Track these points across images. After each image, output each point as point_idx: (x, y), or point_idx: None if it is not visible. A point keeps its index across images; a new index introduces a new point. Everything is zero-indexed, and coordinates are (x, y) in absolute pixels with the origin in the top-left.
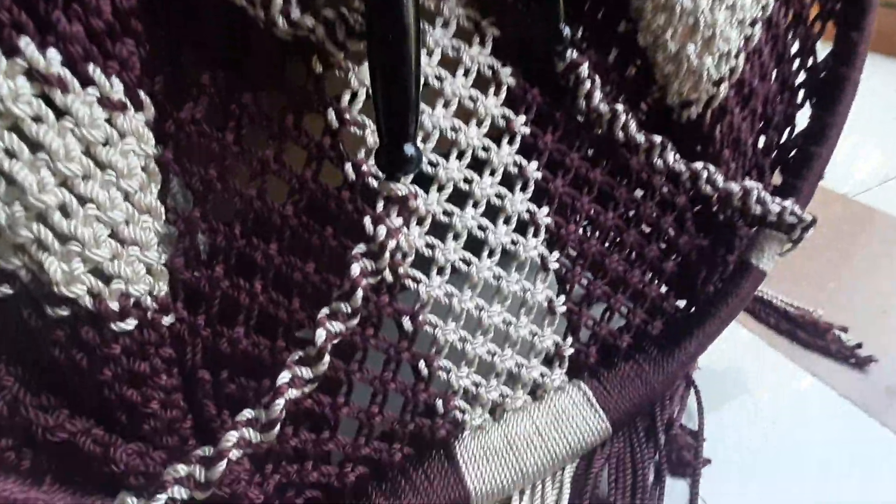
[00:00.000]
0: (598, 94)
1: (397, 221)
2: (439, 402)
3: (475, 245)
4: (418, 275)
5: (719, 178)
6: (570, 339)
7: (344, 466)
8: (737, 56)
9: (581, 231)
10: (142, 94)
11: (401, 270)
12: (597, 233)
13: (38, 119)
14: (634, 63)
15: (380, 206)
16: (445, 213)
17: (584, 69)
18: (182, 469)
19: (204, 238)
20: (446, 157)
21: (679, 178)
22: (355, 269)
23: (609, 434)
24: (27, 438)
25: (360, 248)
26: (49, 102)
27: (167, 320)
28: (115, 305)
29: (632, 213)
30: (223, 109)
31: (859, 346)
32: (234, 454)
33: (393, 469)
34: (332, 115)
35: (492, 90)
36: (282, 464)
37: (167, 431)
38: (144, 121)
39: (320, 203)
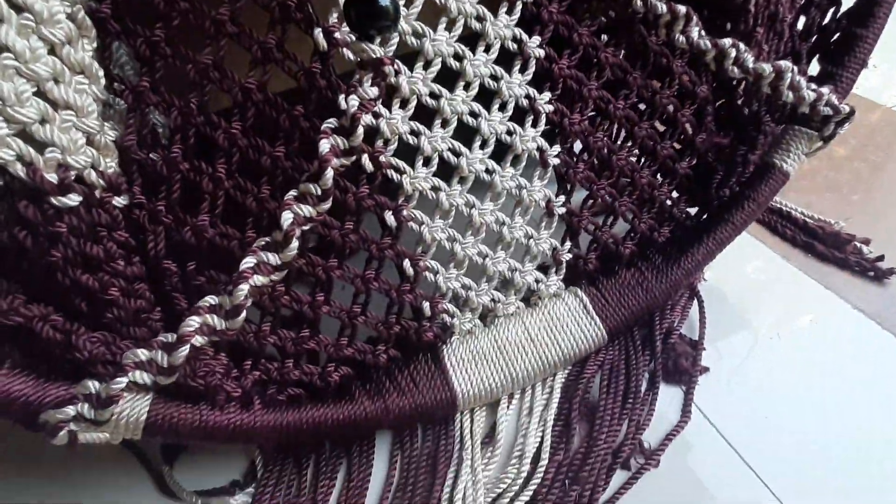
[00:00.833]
0: None
1: (371, 91)
2: (426, 305)
3: (466, 134)
4: (402, 165)
5: (749, 58)
6: (568, 244)
7: (327, 366)
8: None
9: (586, 122)
10: None
11: (382, 159)
12: (604, 125)
13: None
14: None
15: (355, 77)
16: (432, 94)
17: None
18: (143, 353)
19: (161, 116)
20: (434, 27)
21: (702, 61)
22: (324, 145)
23: (604, 342)
24: None
25: (331, 122)
26: None
27: (119, 201)
28: (52, 177)
29: (645, 103)
30: None
31: (881, 258)
32: (198, 340)
33: (378, 370)
34: None
35: None
36: (261, 360)
37: (134, 322)
38: None
39: (288, 75)
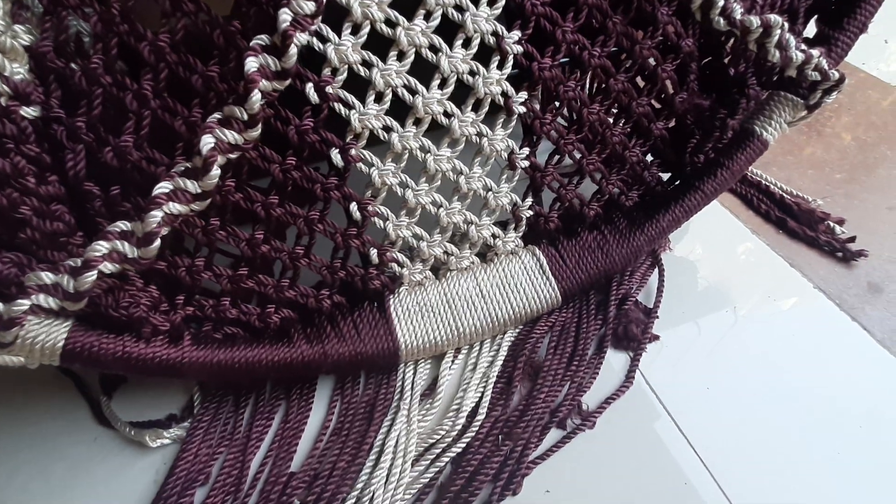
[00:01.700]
0: None
1: (307, 6)
2: (374, 252)
3: (424, 70)
4: (350, 98)
5: (738, 9)
6: (529, 200)
7: (266, 307)
8: None
9: (558, 69)
10: None
11: (329, 90)
12: (577, 73)
13: None
14: None
15: None
16: (388, 21)
17: None
18: (48, 277)
19: (83, 23)
20: None
21: (689, 9)
22: (251, 63)
23: (558, 303)
24: None
25: (261, 39)
26: None
27: (29, 112)
28: None
29: (625, 53)
30: None
31: (852, 239)
32: (108, 267)
33: (321, 315)
34: None
35: None
36: (195, 297)
37: (52, 245)
38: None
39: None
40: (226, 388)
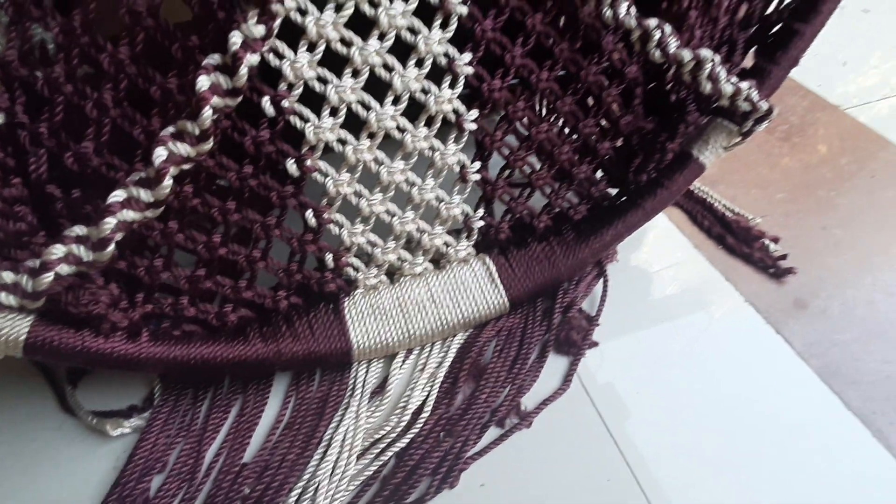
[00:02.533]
0: None
1: (257, 30)
2: (329, 257)
3: (379, 87)
4: (305, 112)
5: (672, 43)
6: (481, 212)
7: (224, 306)
8: None
9: (508, 90)
10: None
11: (285, 104)
12: (526, 94)
13: None
14: None
15: (239, 11)
16: (343, 41)
17: None
18: (9, 276)
19: (47, 33)
20: None
21: (629, 39)
22: (203, 82)
23: (506, 310)
24: None
25: (214, 58)
26: None
27: None
28: None
29: (573, 77)
30: None
31: (783, 257)
32: (64, 269)
33: (277, 315)
34: None
35: None
36: (154, 296)
37: (15, 244)
38: None
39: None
40: (185, 382)
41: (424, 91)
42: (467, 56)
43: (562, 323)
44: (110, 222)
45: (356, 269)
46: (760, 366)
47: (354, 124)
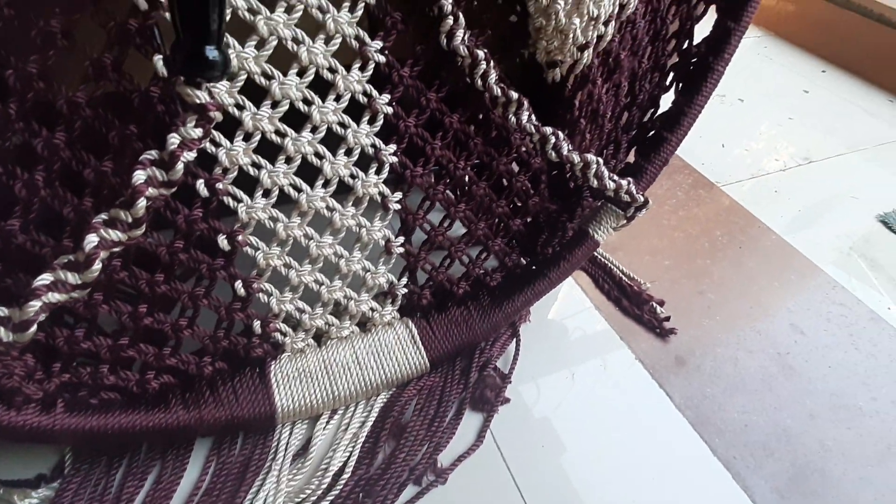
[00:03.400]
0: (459, 34)
1: (195, 132)
2: (257, 324)
3: (310, 171)
4: (238, 193)
5: (564, 146)
6: (405, 280)
7: (146, 373)
8: (606, 23)
9: (429, 176)
10: None
11: (219, 186)
12: (446, 180)
13: None
14: (516, 10)
15: (178, 115)
16: (277, 132)
17: (447, 3)
18: None
19: None
20: (284, 71)
21: (531, 140)
22: (139, 175)
23: (427, 370)
24: None
25: (151, 154)
26: None
27: None
28: None
29: (486, 166)
30: None
31: (667, 319)
32: None
33: (201, 381)
34: None
35: (346, 4)
36: (72, 365)
37: None
38: None
39: (122, 96)
40: (99, 450)
41: (353, 176)
42: (392, 147)
43: (478, 381)
44: (35, 305)
45: (284, 335)
46: (647, 417)
47: (287, 202)
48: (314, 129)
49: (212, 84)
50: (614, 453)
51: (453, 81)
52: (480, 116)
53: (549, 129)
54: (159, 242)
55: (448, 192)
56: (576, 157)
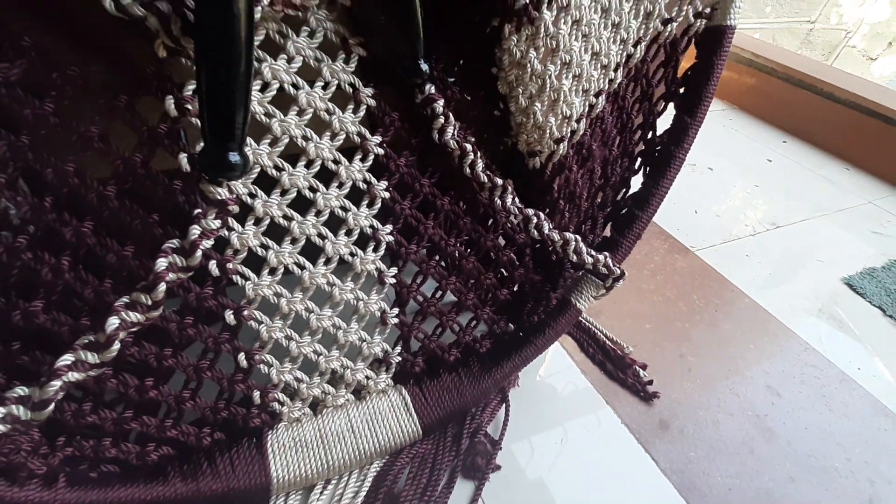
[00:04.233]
0: (450, 130)
1: (214, 223)
2: (256, 394)
3: (313, 251)
4: (247, 272)
5: (546, 226)
6: (399, 349)
7: (146, 445)
8: (578, 121)
9: (423, 252)
10: None
11: (229, 266)
12: (437, 256)
13: None
14: (499, 107)
15: (199, 208)
16: (285, 217)
17: (440, 105)
18: None
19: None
20: (293, 163)
21: (515, 219)
22: (161, 263)
23: (419, 437)
24: None
25: (173, 243)
26: None
27: None
28: None
29: (474, 242)
30: (45, 76)
31: (650, 382)
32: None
33: (199, 452)
34: (170, 102)
35: (350, 106)
36: (76, 438)
37: None
38: None
39: (148, 189)
40: None
41: (352, 254)
42: (389, 227)
43: (469, 448)
44: (56, 384)
45: (282, 404)
46: (634, 482)
47: (290, 280)
48: (318, 213)
49: (231, 181)
50: None
51: (444, 168)
52: (469, 198)
53: (531, 211)
54: (170, 318)
55: (440, 266)
56: (556, 236)
